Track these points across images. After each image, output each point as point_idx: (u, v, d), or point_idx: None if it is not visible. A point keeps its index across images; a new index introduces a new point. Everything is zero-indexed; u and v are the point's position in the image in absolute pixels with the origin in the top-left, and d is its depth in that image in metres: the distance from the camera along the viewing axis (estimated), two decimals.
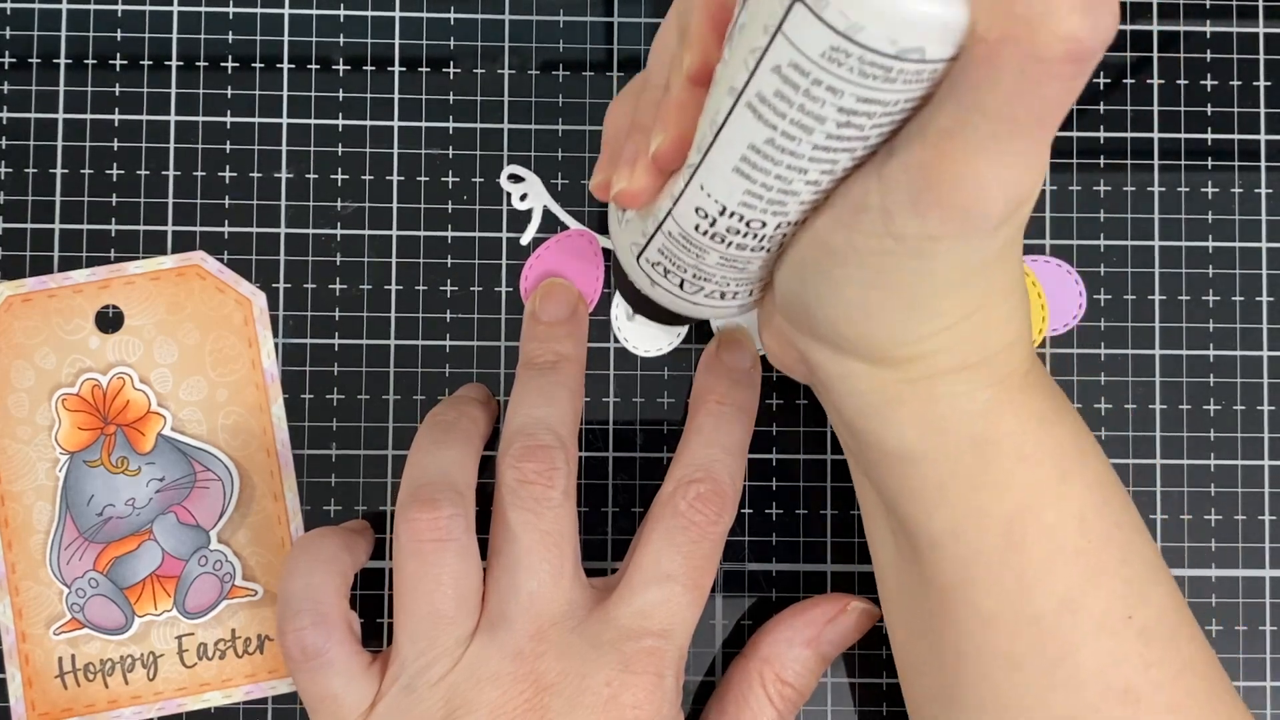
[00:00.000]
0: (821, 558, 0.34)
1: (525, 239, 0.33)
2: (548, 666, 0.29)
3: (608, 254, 0.34)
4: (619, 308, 0.34)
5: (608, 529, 0.34)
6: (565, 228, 0.34)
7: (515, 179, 0.31)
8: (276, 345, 0.34)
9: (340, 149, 0.35)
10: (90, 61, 0.34)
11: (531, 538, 0.29)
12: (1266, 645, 0.34)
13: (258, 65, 0.35)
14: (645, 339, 0.34)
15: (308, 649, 0.29)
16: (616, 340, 0.34)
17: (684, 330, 0.34)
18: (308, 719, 0.31)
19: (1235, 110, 0.35)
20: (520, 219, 0.34)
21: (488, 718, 0.28)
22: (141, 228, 0.34)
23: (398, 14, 0.35)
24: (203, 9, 0.35)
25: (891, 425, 0.26)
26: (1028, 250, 0.35)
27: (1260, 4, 0.35)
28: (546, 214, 0.34)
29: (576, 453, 0.31)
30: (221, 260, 0.34)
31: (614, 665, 0.29)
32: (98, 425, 0.33)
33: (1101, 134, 0.35)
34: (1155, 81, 0.35)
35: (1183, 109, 0.35)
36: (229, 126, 0.35)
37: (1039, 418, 0.26)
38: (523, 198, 0.33)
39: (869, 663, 0.34)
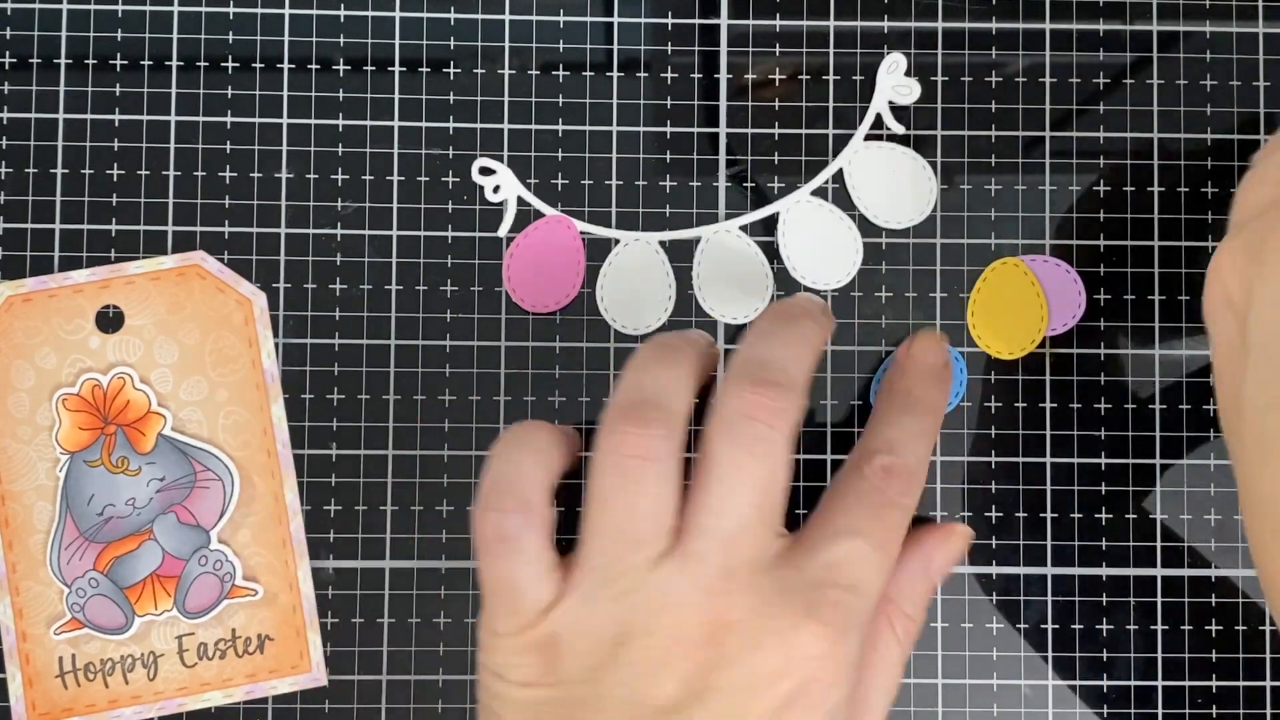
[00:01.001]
0: None
1: (502, 231, 0.34)
2: (732, 603, 0.28)
3: (585, 240, 0.34)
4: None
5: None
6: (541, 216, 0.34)
7: (486, 171, 0.31)
8: (276, 345, 0.34)
9: (340, 149, 0.35)
10: (90, 62, 0.35)
11: (742, 477, 0.28)
12: (1266, 645, 0.34)
13: (258, 65, 0.35)
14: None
15: (505, 531, 0.28)
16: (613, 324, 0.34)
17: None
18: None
19: (1235, 110, 0.35)
20: (522, 220, 0.34)
21: (663, 642, 0.27)
22: (142, 228, 0.34)
23: (398, 14, 0.35)
24: (203, 9, 0.35)
25: None
26: (1028, 250, 0.35)
27: (1260, 4, 0.35)
28: (521, 206, 0.34)
29: (806, 408, 0.31)
30: (222, 260, 0.34)
31: (799, 611, 0.28)
32: (98, 425, 0.33)
33: (1101, 134, 0.35)
34: (1155, 81, 0.35)
35: (1183, 109, 0.35)
36: (229, 127, 0.35)
37: None
38: (495, 190, 0.33)
39: None
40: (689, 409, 0.30)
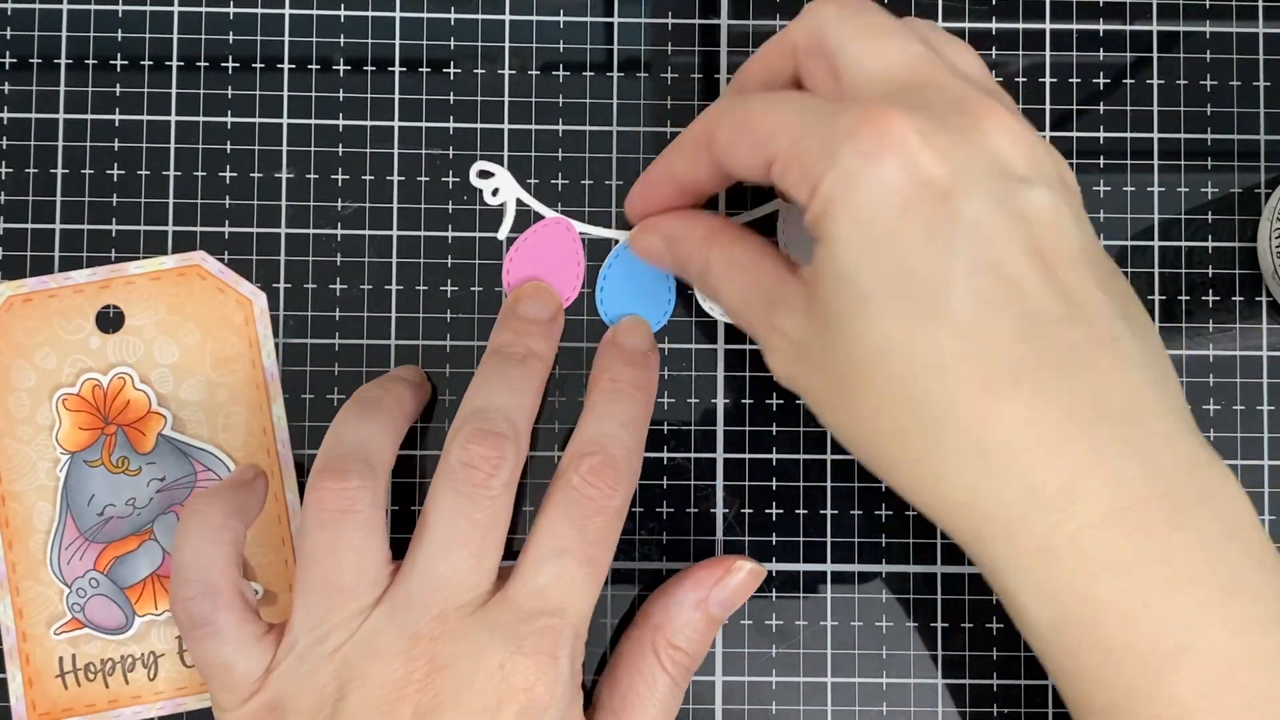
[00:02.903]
0: (822, 558, 0.34)
1: (501, 234, 0.34)
2: (443, 649, 0.28)
3: (584, 241, 0.34)
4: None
5: None
6: (540, 218, 0.34)
7: (485, 174, 0.31)
8: (276, 345, 0.34)
9: (340, 149, 0.35)
10: (91, 62, 0.35)
11: (459, 525, 0.29)
12: None
13: (258, 65, 0.35)
14: None
15: (195, 618, 0.29)
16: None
17: None
18: None
19: (1235, 110, 0.35)
20: (522, 220, 0.34)
21: (378, 692, 0.28)
22: (142, 228, 0.34)
23: (398, 14, 0.35)
24: (203, 9, 0.35)
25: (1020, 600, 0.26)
26: None
27: (1260, 4, 0.35)
28: (520, 208, 0.34)
29: (527, 451, 0.31)
30: (222, 260, 0.34)
31: (507, 647, 0.28)
32: (98, 425, 0.33)
33: (1101, 134, 0.35)
34: (1155, 81, 0.35)
35: (1183, 109, 0.35)
36: (229, 127, 0.35)
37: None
38: (494, 193, 0.33)
39: (868, 662, 0.34)
40: (389, 458, 0.31)
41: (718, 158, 0.29)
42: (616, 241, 0.34)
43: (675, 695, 0.31)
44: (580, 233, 0.34)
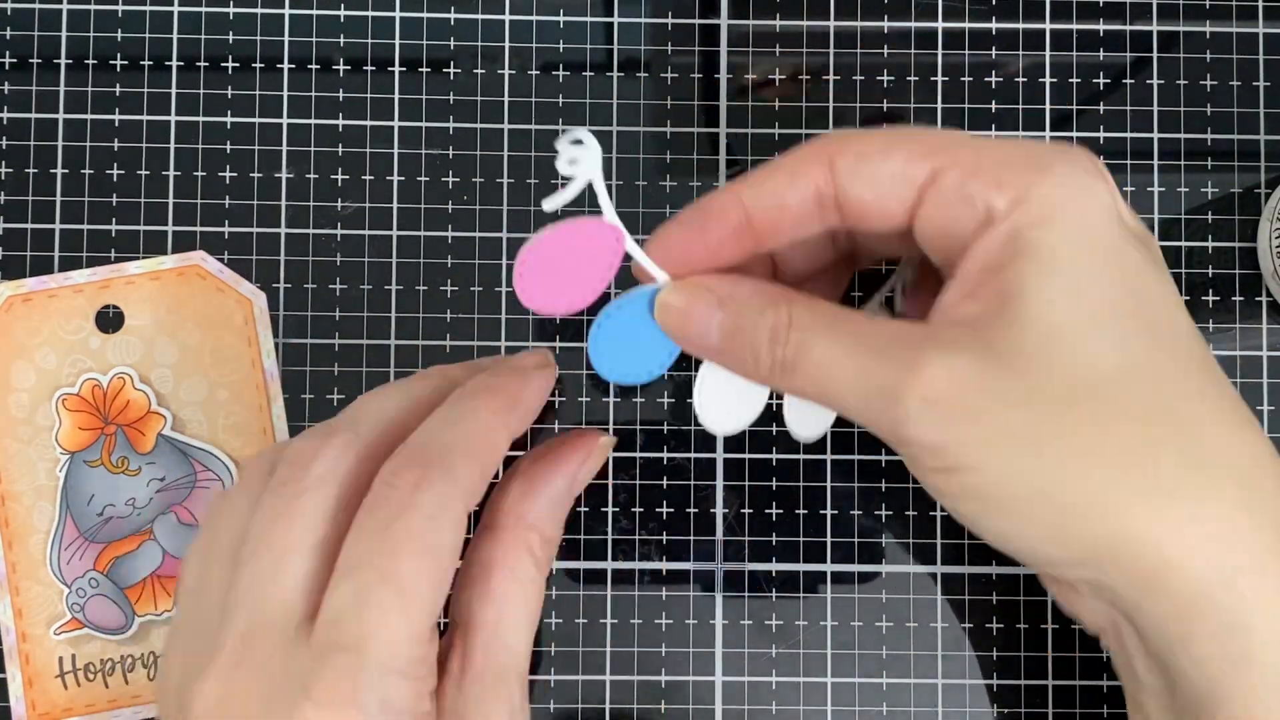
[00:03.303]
0: (821, 558, 0.34)
1: (551, 205, 0.26)
2: (239, 681, 0.24)
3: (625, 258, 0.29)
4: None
5: (608, 529, 0.34)
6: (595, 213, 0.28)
7: (577, 142, 0.26)
8: (276, 345, 0.34)
9: (340, 149, 0.35)
10: (90, 62, 0.35)
11: (267, 526, 0.25)
12: None
13: (258, 65, 0.35)
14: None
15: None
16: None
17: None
18: None
19: (1235, 110, 0.35)
20: (522, 220, 0.34)
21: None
22: (142, 228, 0.34)
23: (398, 14, 0.35)
24: (203, 9, 0.35)
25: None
26: None
27: (1260, 4, 0.35)
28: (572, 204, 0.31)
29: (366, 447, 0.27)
30: (222, 260, 0.34)
31: (296, 692, 0.23)
32: (98, 425, 0.33)
33: (1101, 134, 0.35)
34: (1155, 81, 0.35)
35: (1183, 109, 0.35)
36: (229, 127, 0.35)
37: None
38: (571, 162, 0.26)
39: (868, 662, 0.34)
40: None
41: (841, 175, 0.25)
42: (616, 293, 0.30)
43: (543, 589, 0.29)
44: (626, 252, 0.28)
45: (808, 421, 0.31)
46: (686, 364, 0.34)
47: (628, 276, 0.29)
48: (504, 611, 0.27)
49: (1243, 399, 0.25)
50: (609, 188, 0.34)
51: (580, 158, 0.26)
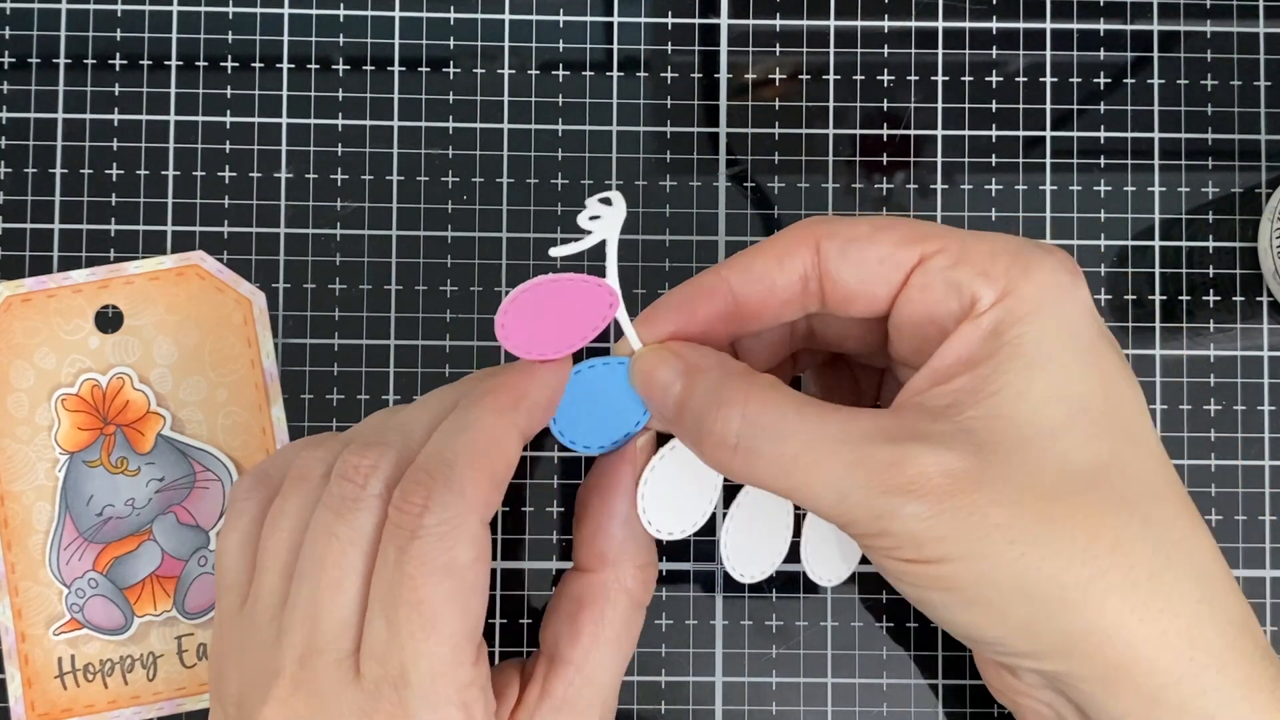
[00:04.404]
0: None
1: (558, 253, 0.25)
2: (298, 706, 0.25)
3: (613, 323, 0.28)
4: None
5: None
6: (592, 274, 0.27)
7: (606, 201, 0.26)
8: (276, 345, 0.34)
9: (340, 149, 0.34)
10: (90, 61, 0.34)
11: (324, 545, 0.25)
12: None
13: (257, 65, 0.35)
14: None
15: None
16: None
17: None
18: None
19: (1235, 110, 0.35)
20: (521, 220, 0.34)
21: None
22: (141, 228, 0.34)
23: (398, 14, 0.35)
24: (202, 9, 0.35)
25: None
26: None
27: (1260, 4, 0.35)
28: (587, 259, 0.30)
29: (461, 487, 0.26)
30: (221, 260, 0.34)
31: None
32: (97, 425, 0.33)
33: (1101, 134, 0.35)
34: (1155, 81, 0.35)
35: (1183, 109, 0.35)
36: (229, 126, 0.34)
37: None
38: (592, 219, 0.26)
39: (868, 662, 0.34)
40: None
41: (829, 259, 0.25)
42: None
43: (641, 620, 0.28)
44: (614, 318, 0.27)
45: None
46: None
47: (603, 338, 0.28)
48: (591, 653, 0.27)
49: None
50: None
51: (603, 215, 0.26)
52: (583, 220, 0.26)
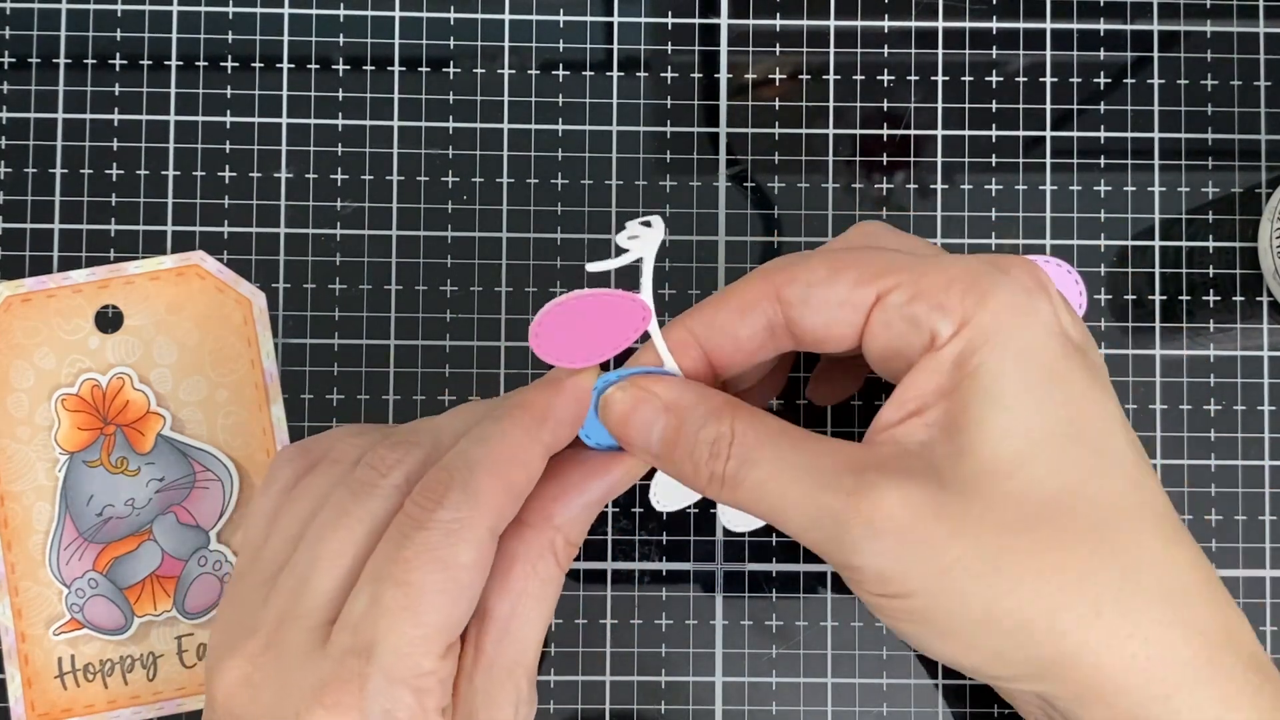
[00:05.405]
0: (821, 558, 0.34)
1: (595, 268, 0.26)
2: (261, 669, 0.25)
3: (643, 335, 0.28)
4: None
5: (607, 529, 0.34)
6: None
7: (646, 223, 0.26)
8: (276, 345, 0.34)
9: (340, 149, 0.34)
10: (90, 61, 0.34)
11: (327, 518, 0.26)
12: (1267, 645, 0.34)
13: (257, 65, 0.35)
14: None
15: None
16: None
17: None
18: None
19: (1235, 110, 0.35)
20: (521, 220, 0.34)
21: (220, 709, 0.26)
22: (141, 228, 0.34)
23: (398, 14, 0.35)
24: (202, 9, 0.35)
25: None
26: (1028, 250, 0.35)
27: (1260, 4, 0.35)
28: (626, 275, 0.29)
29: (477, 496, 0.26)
30: (221, 260, 0.34)
31: (309, 696, 0.24)
32: (97, 425, 0.33)
33: (1101, 134, 0.35)
34: (1155, 81, 0.35)
35: (1183, 109, 0.35)
36: (229, 126, 0.34)
37: None
38: (632, 238, 0.26)
39: (868, 662, 0.34)
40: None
41: (791, 307, 0.26)
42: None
43: (558, 591, 0.28)
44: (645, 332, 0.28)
45: (740, 518, 0.33)
46: None
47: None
48: (518, 606, 0.27)
49: (1173, 507, 0.25)
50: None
51: (642, 236, 0.27)
52: (621, 239, 0.26)
